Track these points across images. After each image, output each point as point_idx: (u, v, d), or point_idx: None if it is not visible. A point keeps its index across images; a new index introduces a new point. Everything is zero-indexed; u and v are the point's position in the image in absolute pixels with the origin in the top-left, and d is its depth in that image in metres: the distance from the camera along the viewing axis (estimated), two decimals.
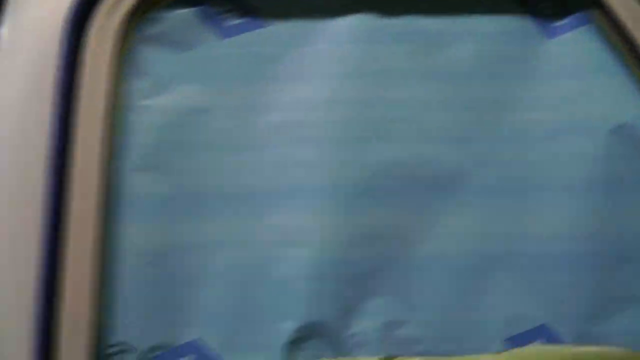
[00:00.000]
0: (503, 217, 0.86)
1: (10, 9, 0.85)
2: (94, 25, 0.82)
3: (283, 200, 0.85)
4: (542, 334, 0.83)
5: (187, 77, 0.86)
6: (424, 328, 0.85)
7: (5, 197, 0.80)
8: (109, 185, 0.82)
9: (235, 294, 0.84)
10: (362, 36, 0.88)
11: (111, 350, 0.82)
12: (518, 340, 0.83)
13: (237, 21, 0.88)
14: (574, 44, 0.91)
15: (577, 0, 0.92)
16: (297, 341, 0.84)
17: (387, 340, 0.86)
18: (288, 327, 0.84)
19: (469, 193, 0.87)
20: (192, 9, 0.87)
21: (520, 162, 0.88)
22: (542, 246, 0.85)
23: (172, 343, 0.84)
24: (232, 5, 0.88)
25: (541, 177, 0.87)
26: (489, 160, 0.88)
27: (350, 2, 0.89)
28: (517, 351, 0.81)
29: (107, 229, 0.82)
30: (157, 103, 0.85)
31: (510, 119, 0.89)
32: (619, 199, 0.85)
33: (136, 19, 0.85)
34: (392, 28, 0.88)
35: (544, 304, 0.83)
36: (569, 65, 0.89)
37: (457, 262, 0.86)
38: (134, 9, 0.84)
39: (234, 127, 0.86)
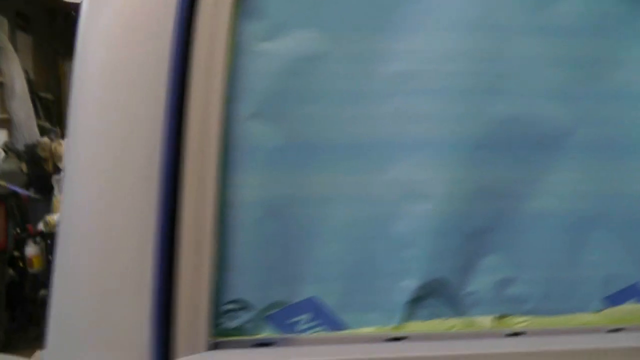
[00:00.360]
0: (602, 176, 0.87)
1: None
2: None
3: (404, 153, 0.82)
4: (635, 292, 0.85)
5: (304, 22, 0.81)
6: (531, 286, 0.86)
7: (123, 147, 0.73)
8: (224, 134, 0.77)
9: (354, 250, 0.81)
10: None
11: (228, 307, 0.78)
12: (614, 298, 0.84)
13: None
14: None
15: None
16: (417, 300, 0.82)
17: (499, 298, 0.85)
18: (408, 285, 0.82)
19: (572, 150, 0.87)
20: None
21: (621, 121, 0.89)
22: (637, 205, 0.86)
23: (289, 300, 0.80)
24: None
25: None
26: (592, 119, 0.88)
27: None
28: (613, 310, 0.84)
29: (224, 180, 0.77)
30: (272, 48, 0.80)
31: (613, 78, 0.89)
32: None
33: None
34: None
35: (638, 263, 0.85)
36: None
37: (561, 220, 0.87)
38: None
39: (352, 76, 0.81)
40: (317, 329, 0.80)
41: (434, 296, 0.82)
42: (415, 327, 0.81)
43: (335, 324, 0.80)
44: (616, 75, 0.89)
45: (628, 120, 0.89)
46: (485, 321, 0.83)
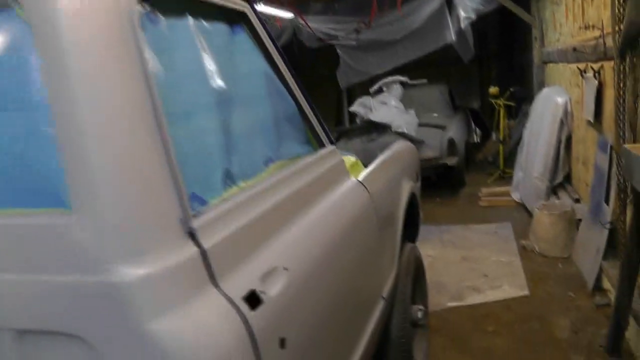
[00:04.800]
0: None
1: None
2: None
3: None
4: (270, 160, 1.70)
5: None
6: None
7: None
8: None
9: None
10: None
11: None
12: (266, 164, 1.70)
13: None
14: None
15: None
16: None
17: None
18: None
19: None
20: None
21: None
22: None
23: None
24: None
25: None
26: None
27: None
28: (268, 168, 1.66)
29: None
30: None
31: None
32: None
33: None
34: None
35: (267, 147, 1.73)
36: None
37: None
38: None
39: None
40: None
41: None
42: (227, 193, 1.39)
43: None
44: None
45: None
46: (242, 184, 1.47)
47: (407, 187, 2.90)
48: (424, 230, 5.19)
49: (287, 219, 1.49)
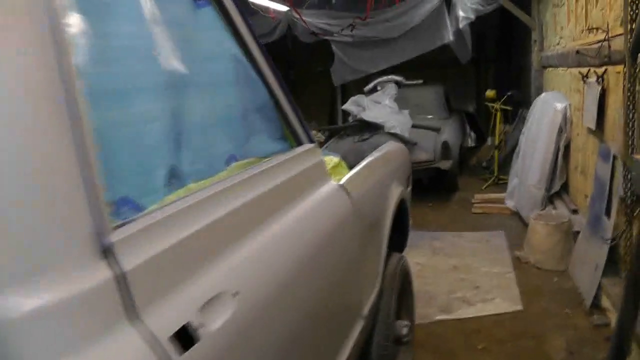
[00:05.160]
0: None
1: None
2: None
3: None
4: (233, 158, 1.49)
5: None
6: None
7: None
8: None
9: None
10: None
11: None
12: (228, 162, 1.47)
13: None
14: None
15: None
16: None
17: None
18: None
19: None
20: None
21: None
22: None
23: None
24: None
25: None
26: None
27: None
28: (229, 168, 1.44)
29: None
30: None
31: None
32: None
33: None
34: None
35: (230, 143, 1.54)
36: None
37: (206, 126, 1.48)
38: None
39: None
40: None
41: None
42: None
43: None
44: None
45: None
46: (193, 186, 1.20)
47: (396, 192, 2.66)
48: (413, 236, 4.95)
49: (246, 229, 1.25)
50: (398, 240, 3.08)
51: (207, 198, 1.15)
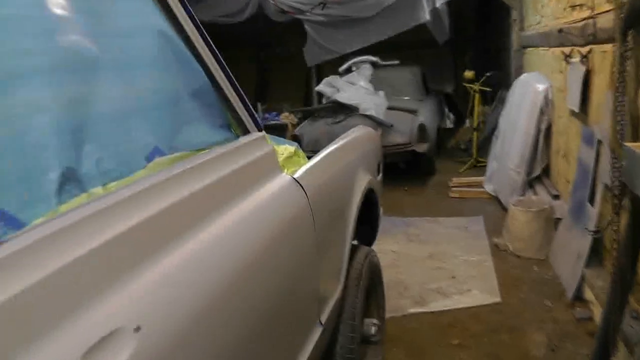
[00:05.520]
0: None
1: None
2: None
3: None
4: (157, 152, 1.18)
5: None
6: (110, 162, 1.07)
7: None
8: None
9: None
10: None
11: None
12: (150, 158, 1.18)
13: None
14: None
15: None
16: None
17: (99, 173, 1.04)
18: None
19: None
20: None
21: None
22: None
23: None
24: None
25: None
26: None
27: None
28: (150, 164, 1.15)
29: None
30: None
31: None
32: None
33: None
34: None
35: (154, 135, 1.21)
36: None
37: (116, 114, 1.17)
38: None
39: None
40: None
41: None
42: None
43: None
44: None
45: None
46: (98, 191, 0.99)
47: (362, 182, 2.42)
48: (387, 223, 4.75)
49: (161, 242, 1.00)
50: (366, 232, 2.87)
51: (111, 206, 0.91)
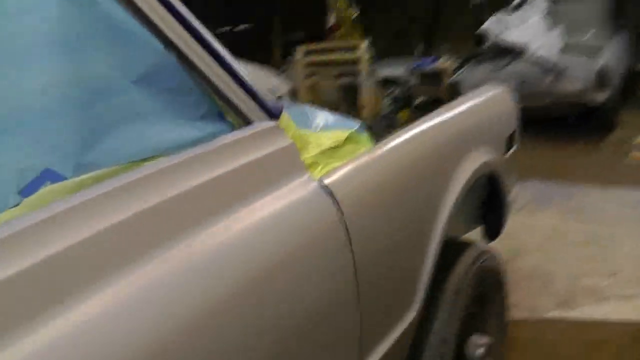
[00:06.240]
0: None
1: None
2: None
3: None
4: (47, 177, 0.87)
5: None
6: None
7: None
8: None
9: None
10: None
11: None
12: (30, 188, 0.85)
13: None
14: None
15: None
16: None
17: None
18: None
19: None
20: None
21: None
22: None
23: None
24: None
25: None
26: None
27: None
28: (32, 198, 0.84)
29: None
30: None
31: None
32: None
33: None
34: None
35: (44, 151, 0.89)
36: None
37: None
38: None
39: None
40: None
41: None
42: None
43: None
44: None
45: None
46: None
47: (472, 165, 1.84)
48: (543, 190, 4.01)
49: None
50: (488, 226, 2.30)
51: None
